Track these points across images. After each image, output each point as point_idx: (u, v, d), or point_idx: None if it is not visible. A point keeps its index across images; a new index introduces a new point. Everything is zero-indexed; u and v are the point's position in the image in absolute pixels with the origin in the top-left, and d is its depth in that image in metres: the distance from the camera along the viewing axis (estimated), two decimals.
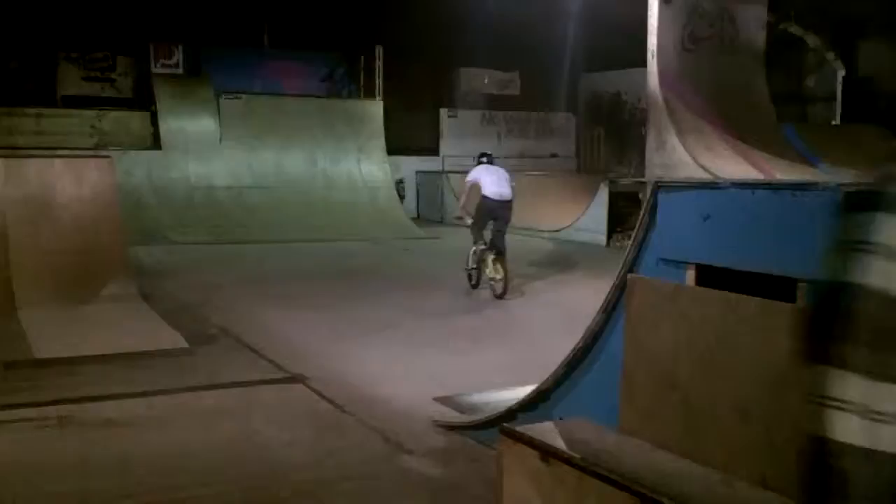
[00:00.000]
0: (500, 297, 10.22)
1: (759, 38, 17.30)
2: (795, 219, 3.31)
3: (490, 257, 10.38)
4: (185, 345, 7.40)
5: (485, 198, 10.46)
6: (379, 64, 20.53)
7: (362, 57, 21.32)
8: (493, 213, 10.46)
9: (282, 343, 7.78)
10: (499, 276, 10.27)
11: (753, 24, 17.21)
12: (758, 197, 3.51)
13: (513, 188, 10.62)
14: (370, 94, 20.61)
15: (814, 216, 3.26)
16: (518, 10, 21.84)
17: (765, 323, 3.36)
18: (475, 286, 10.71)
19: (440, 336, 8.27)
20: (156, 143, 17.84)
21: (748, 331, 3.43)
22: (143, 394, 6.00)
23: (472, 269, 10.69)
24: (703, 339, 3.64)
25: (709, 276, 3.75)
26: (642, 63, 16.17)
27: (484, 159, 10.99)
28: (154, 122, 18.14)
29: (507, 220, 10.57)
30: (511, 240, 16.67)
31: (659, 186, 4.02)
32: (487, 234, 10.52)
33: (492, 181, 10.47)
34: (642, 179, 14.59)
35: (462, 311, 9.76)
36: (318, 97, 20.15)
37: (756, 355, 3.39)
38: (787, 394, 3.25)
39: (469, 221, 10.69)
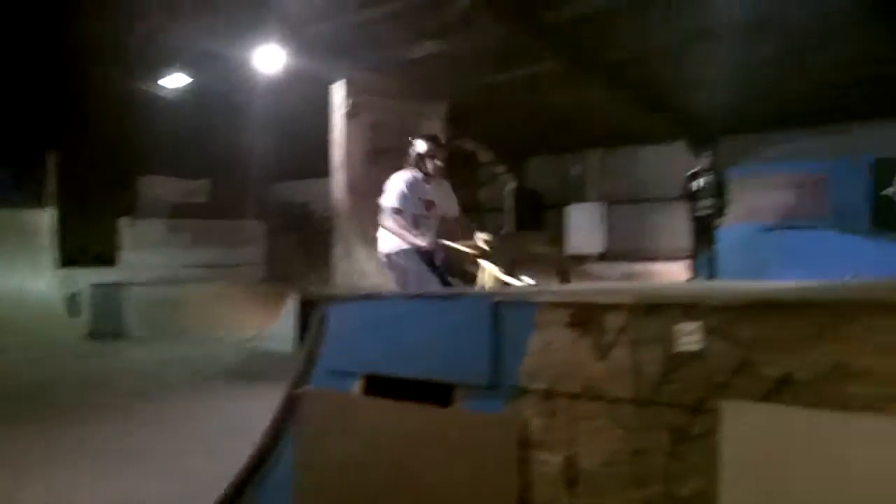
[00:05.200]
0: None
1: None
2: (449, 327, 3.45)
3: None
4: None
5: None
6: (52, 171, 19.39)
7: (33, 164, 20.05)
8: None
9: None
10: None
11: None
12: (415, 306, 3.64)
13: None
14: (40, 203, 19.36)
15: (465, 324, 3.41)
16: (205, 118, 21.68)
17: (425, 427, 3.43)
18: None
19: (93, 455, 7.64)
20: None
21: (412, 437, 3.48)
22: None
23: None
24: (374, 450, 3.64)
25: (379, 385, 3.78)
26: (330, 173, 16.66)
27: None
28: None
29: None
30: (195, 351, 16.10)
31: (326, 299, 4.06)
32: None
33: None
34: (327, 289, 14.80)
35: (124, 433, 9.15)
36: None
37: (424, 461, 3.44)
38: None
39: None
